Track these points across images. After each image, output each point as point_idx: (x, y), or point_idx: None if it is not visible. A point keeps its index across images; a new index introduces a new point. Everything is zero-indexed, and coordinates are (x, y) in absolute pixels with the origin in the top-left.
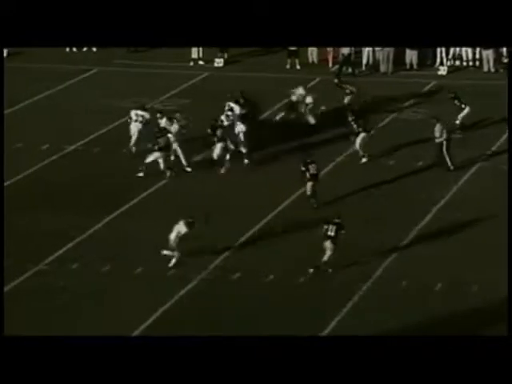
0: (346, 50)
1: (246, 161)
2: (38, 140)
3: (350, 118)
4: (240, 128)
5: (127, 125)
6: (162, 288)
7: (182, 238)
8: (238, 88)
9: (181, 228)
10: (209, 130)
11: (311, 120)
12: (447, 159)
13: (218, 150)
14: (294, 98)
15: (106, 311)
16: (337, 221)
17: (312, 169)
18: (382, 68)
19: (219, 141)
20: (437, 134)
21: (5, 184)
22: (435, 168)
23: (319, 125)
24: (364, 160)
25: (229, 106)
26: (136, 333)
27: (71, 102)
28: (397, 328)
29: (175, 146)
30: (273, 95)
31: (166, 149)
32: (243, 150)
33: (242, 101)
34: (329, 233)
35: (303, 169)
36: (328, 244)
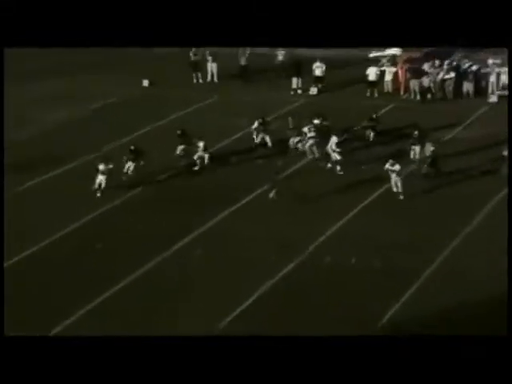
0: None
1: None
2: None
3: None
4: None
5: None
6: None
7: None
8: (328, 111)
9: None
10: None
11: None
12: None
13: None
14: None
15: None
16: None
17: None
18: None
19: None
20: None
21: (141, 187)
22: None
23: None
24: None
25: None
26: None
27: (200, 122)
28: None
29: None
30: (355, 116)
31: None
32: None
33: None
34: None
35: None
36: None
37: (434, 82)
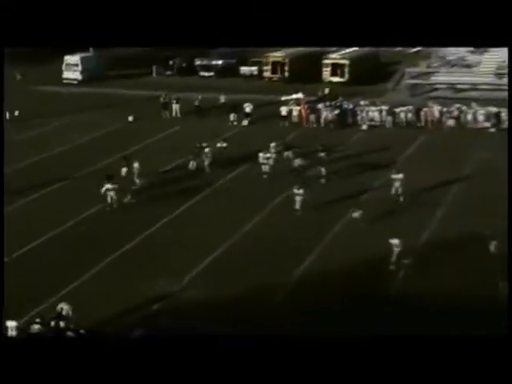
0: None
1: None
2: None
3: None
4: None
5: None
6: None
7: None
8: (255, 139)
9: None
10: None
11: None
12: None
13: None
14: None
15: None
16: None
17: None
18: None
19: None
20: None
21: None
22: None
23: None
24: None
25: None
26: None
27: (167, 144)
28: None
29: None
30: (273, 140)
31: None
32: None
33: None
34: None
35: None
36: None
37: (327, 116)
